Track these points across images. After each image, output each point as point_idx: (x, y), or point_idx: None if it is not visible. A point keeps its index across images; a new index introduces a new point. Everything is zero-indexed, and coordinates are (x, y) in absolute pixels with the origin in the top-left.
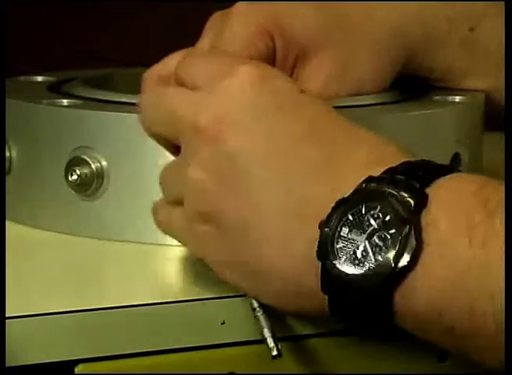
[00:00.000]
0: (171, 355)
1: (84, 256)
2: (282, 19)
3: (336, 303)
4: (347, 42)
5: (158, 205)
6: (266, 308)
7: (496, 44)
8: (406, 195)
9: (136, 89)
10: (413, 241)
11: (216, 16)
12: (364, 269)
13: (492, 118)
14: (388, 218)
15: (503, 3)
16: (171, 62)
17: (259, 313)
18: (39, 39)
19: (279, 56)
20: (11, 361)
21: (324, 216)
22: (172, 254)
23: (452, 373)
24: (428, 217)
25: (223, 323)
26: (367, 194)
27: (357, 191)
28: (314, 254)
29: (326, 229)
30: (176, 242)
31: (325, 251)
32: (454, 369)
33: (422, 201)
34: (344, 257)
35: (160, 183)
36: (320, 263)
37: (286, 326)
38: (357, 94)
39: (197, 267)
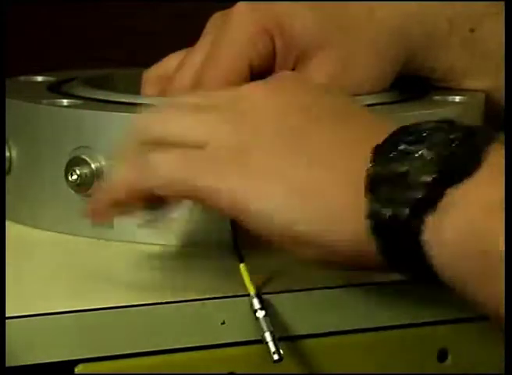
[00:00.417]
0: (171, 355)
1: (84, 256)
2: (283, 19)
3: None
4: (347, 42)
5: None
6: (267, 309)
7: (497, 44)
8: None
9: (136, 89)
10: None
11: (217, 16)
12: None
13: (492, 118)
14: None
15: (503, 3)
16: (170, 63)
17: (261, 315)
18: (39, 39)
19: (279, 56)
20: (11, 361)
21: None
22: (171, 254)
23: (452, 373)
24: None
25: (223, 323)
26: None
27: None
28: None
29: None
30: (175, 242)
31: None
32: (454, 369)
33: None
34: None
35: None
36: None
37: (286, 326)
38: (356, 94)
39: (197, 267)
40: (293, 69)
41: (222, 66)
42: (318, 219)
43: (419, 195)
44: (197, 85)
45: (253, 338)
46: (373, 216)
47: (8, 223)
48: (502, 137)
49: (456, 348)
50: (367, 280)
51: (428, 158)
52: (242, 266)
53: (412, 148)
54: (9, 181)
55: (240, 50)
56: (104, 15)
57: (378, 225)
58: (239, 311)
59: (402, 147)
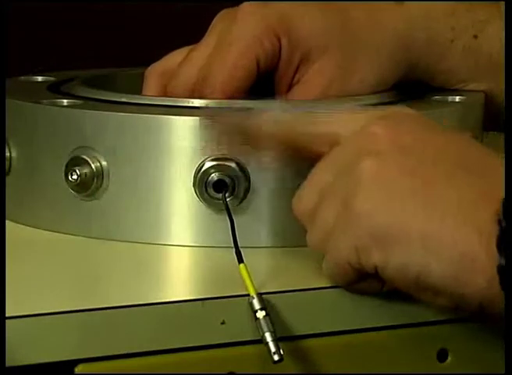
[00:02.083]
0: (171, 355)
1: (84, 256)
2: (290, 20)
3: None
4: (351, 45)
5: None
6: (268, 309)
7: (500, 50)
8: None
9: (136, 89)
10: None
11: (223, 14)
12: None
13: (492, 118)
14: None
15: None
16: (174, 59)
17: (261, 316)
18: (39, 39)
19: (284, 57)
20: (11, 361)
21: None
22: (172, 254)
23: (452, 373)
24: None
25: (223, 323)
26: None
27: None
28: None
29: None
30: (175, 242)
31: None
32: (454, 369)
33: None
34: None
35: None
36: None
37: (286, 326)
38: (357, 92)
39: (197, 267)
40: (297, 69)
41: (229, 63)
42: (449, 272)
43: None
44: (201, 81)
45: (253, 338)
46: (503, 272)
47: (8, 223)
48: None
49: (456, 348)
50: None
51: None
52: (242, 266)
53: None
54: (9, 181)
55: (246, 47)
56: (104, 15)
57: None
58: (239, 311)
59: None
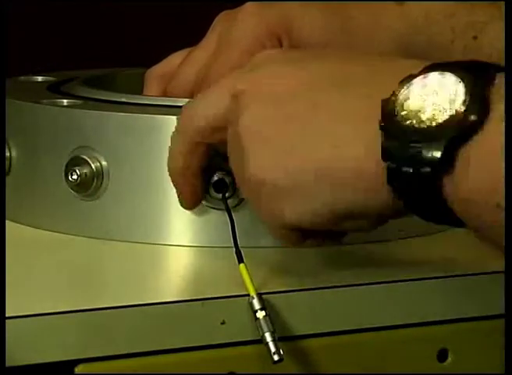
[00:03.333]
0: (171, 355)
1: (84, 256)
2: (290, 20)
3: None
4: (350, 45)
5: None
6: (267, 309)
7: (500, 51)
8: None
9: (136, 89)
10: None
11: (223, 15)
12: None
13: None
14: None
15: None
16: (173, 61)
17: (261, 316)
18: (39, 39)
19: None
20: (11, 361)
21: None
22: (171, 254)
23: (452, 372)
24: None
25: (223, 323)
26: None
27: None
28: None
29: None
30: (175, 242)
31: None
32: (454, 369)
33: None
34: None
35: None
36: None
37: (286, 326)
38: None
39: (197, 267)
40: None
41: (229, 63)
42: (355, 193)
43: (439, 152)
44: (201, 81)
45: (253, 338)
46: (389, 157)
47: (8, 223)
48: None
49: (456, 348)
50: (366, 280)
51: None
52: (242, 266)
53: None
54: (9, 181)
55: (247, 48)
56: (104, 15)
57: (392, 174)
58: (239, 311)
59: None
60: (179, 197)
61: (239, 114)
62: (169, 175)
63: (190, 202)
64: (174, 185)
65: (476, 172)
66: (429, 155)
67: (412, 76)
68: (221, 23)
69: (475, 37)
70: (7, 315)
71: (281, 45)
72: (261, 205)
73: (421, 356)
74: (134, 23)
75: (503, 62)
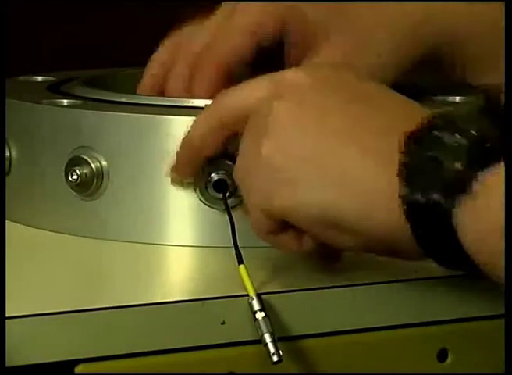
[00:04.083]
0: (171, 355)
1: (84, 256)
2: (294, 8)
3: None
4: (362, 23)
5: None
6: (267, 310)
7: None
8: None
9: (136, 89)
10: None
11: (224, 4)
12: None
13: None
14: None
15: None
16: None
17: (260, 317)
18: (39, 39)
19: (294, 39)
20: (11, 361)
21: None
22: (171, 254)
23: (452, 373)
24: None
25: (223, 323)
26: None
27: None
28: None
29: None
30: (175, 242)
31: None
32: (454, 369)
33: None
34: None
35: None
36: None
37: (286, 326)
38: (376, 69)
39: (197, 267)
40: (308, 50)
41: (230, 43)
42: (354, 205)
43: (451, 181)
44: (205, 52)
45: (252, 338)
46: (406, 202)
47: (8, 223)
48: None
49: (456, 348)
50: (366, 280)
51: (459, 144)
52: (242, 267)
53: (444, 134)
54: (9, 181)
55: (249, 29)
56: (104, 15)
57: (412, 210)
58: (239, 311)
59: (434, 134)
60: (171, 170)
61: (272, 105)
62: (179, 148)
63: (177, 180)
64: (177, 158)
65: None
66: (443, 182)
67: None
68: (221, 11)
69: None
70: (7, 315)
71: (283, 28)
72: (255, 182)
73: (421, 356)
74: (134, 23)
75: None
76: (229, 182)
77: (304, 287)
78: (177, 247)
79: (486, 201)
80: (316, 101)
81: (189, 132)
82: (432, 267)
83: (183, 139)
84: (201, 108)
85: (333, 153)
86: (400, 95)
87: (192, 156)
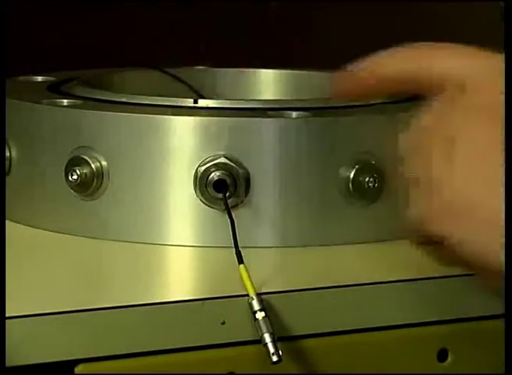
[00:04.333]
0: (171, 355)
1: (84, 256)
2: None
3: None
4: None
5: None
6: (267, 310)
7: None
8: None
9: (136, 89)
10: None
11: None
12: None
13: None
14: None
15: None
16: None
17: (260, 317)
18: (39, 39)
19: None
20: (11, 361)
21: None
22: (171, 254)
23: (452, 373)
24: None
25: (223, 323)
26: None
27: None
28: None
29: None
30: (175, 242)
31: None
32: (454, 369)
33: None
34: None
35: None
36: None
37: (286, 326)
38: None
39: (197, 267)
40: None
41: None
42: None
43: None
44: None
45: (252, 338)
46: None
47: (8, 223)
48: None
49: (456, 348)
50: (366, 280)
51: None
52: (241, 267)
53: None
54: (9, 181)
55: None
56: (104, 15)
57: None
58: (238, 311)
59: None
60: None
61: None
62: (363, 65)
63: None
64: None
65: None
66: None
67: None
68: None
69: None
70: (7, 315)
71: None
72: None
73: (421, 356)
74: (134, 23)
75: None
76: (229, 182)
77: (303, 288)
78: (177, 247)
79: None
80: None
81: (383, 60)
82: (431, 267)
83: (373, 61)
84: (201, 108)
85: (494, 196)
86: None
87: (372, 80)
